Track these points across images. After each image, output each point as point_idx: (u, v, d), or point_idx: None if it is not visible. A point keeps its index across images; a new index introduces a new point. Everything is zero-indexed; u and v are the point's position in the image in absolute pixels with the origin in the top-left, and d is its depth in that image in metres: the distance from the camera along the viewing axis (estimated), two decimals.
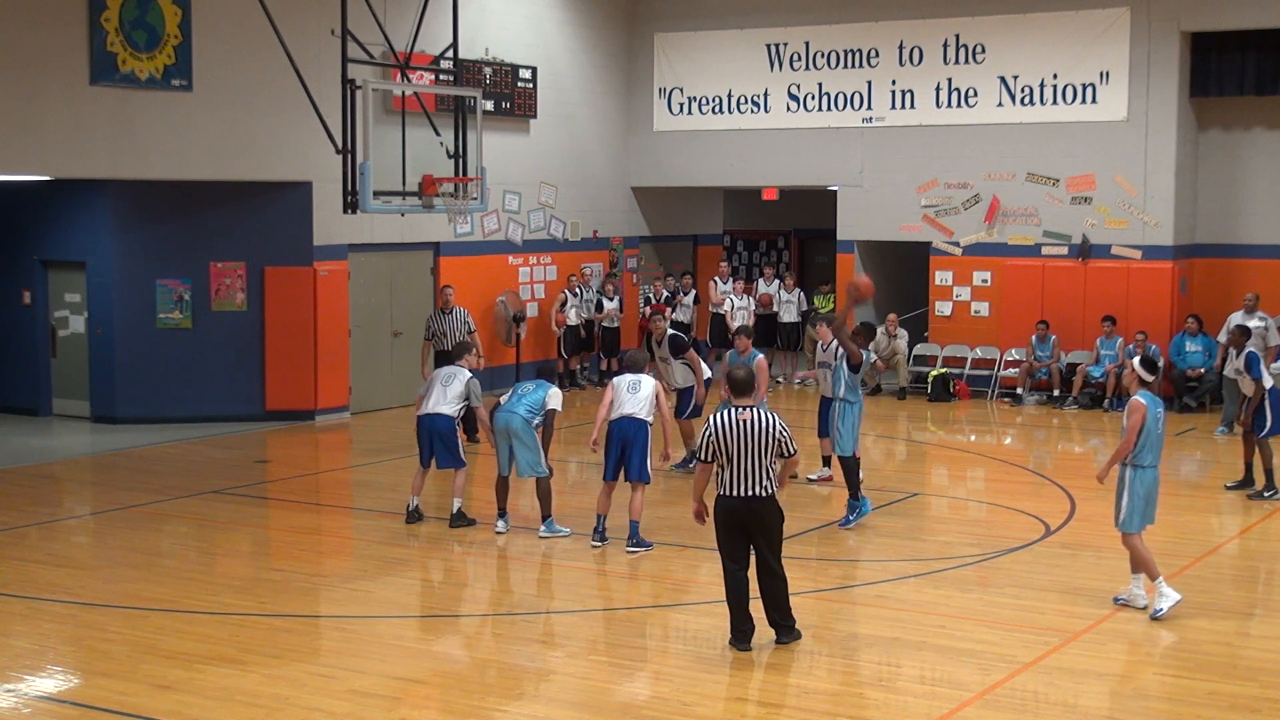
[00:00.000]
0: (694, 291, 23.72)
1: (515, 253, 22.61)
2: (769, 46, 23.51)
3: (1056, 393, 21.19)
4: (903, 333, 22.27)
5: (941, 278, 22.55)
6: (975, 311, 22.09)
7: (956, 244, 22.34)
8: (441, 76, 18.22)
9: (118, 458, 17.02)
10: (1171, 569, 11.85)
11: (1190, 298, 21.41)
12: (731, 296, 23.24)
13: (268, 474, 16.42)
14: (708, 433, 9.55)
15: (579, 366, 23.11)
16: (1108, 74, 21.12)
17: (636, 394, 12.64)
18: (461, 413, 13.61)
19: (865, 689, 9.04)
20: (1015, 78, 21.77)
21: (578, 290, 22.84)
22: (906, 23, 22.45)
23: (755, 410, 9.54)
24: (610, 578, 11.96)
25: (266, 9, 15.77)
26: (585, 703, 8.87)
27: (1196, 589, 11.03)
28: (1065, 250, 21.55)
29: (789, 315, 23.53)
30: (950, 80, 22.22)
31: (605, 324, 23.04)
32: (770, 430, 9.48)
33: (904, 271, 23.84)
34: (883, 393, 22.20)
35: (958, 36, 22.14)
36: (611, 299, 23.11)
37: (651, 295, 24.02)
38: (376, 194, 15.52)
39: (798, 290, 23.90)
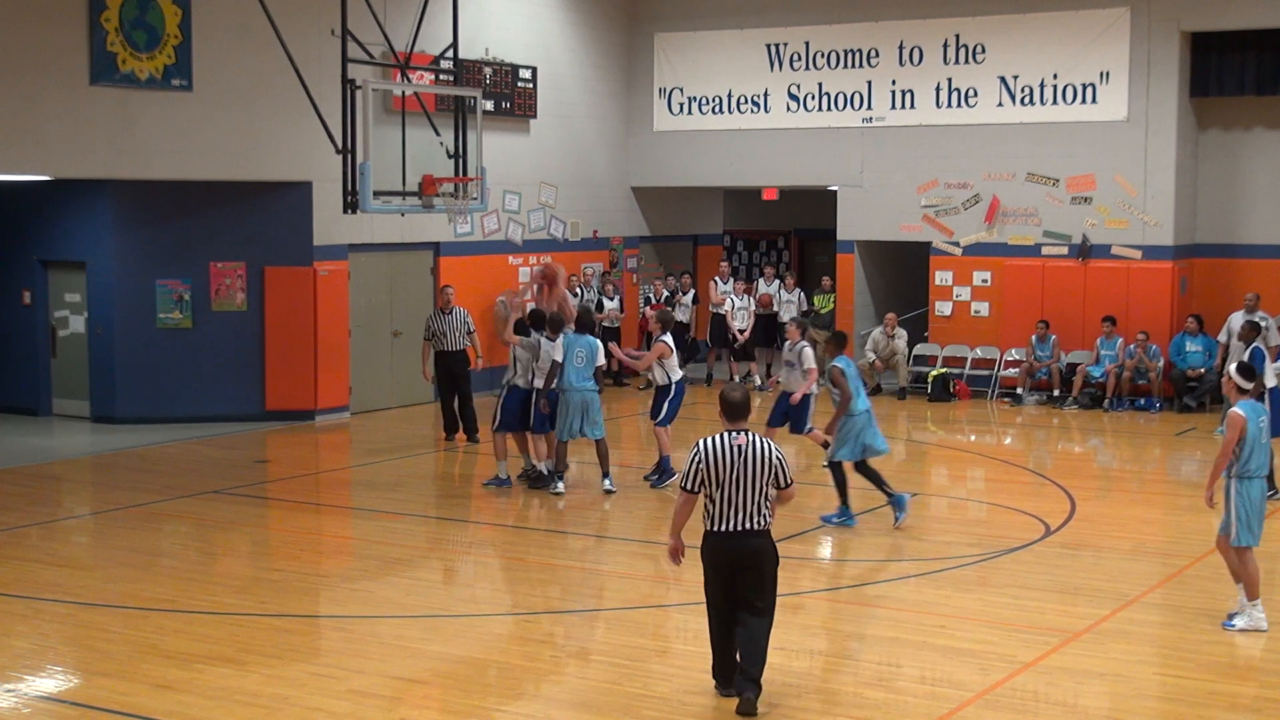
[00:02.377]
0: (694, 291, 23.72)
1: (515, 253, 22.61)
2: (769, 46, 23.51)
3: (1056, 393, 21.19)
4: (901, 332, 22.26)
5: (941, 278, 22.55)
6: (975, 311, 22.09)
7: (956, 244, 22.34)
8: (441, 76, 18.22)
9: (118, 458, 17.02)
10: (1172, 568, 11.88)
11: (1190, 298, 21.41)
12: (731, 296, 23.23)
13: (268, 474, 16.41)
14: (695, 459, 8.50)
15: None
16: (1108, 74, 21.12)
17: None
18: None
19: (865, 689, 9.04)
20: (1015, 78, 21.77)
21: (578, 290, 22.82)
22: (906, 23, 22.45)
23: (750, 435, 8.55)
24: (610, 578, 11.96)
25: (266, 9, 15.77)
26: (585, 703, 8.87)
27: (1196, 589, 11.03)
28: (1065, 250, 21.55)
29: (789, 315, 23.48)
30: (950, 80, 22.22)
31: (606, 324, 23.02)
32: (767, 458, 8.47)
33: (904, 271, 23.85)
34: (883, 392, 22.19)
35: (958, 36, 22.14)
36: (612, 299, 23.10)
37: (651, 295, 24.01)
38: (376, 194, 15.51)
39: (798, 290, 23.89)
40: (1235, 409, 10.21)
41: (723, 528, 8.49)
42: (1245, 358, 14.97)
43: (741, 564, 8.51)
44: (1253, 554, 10.19)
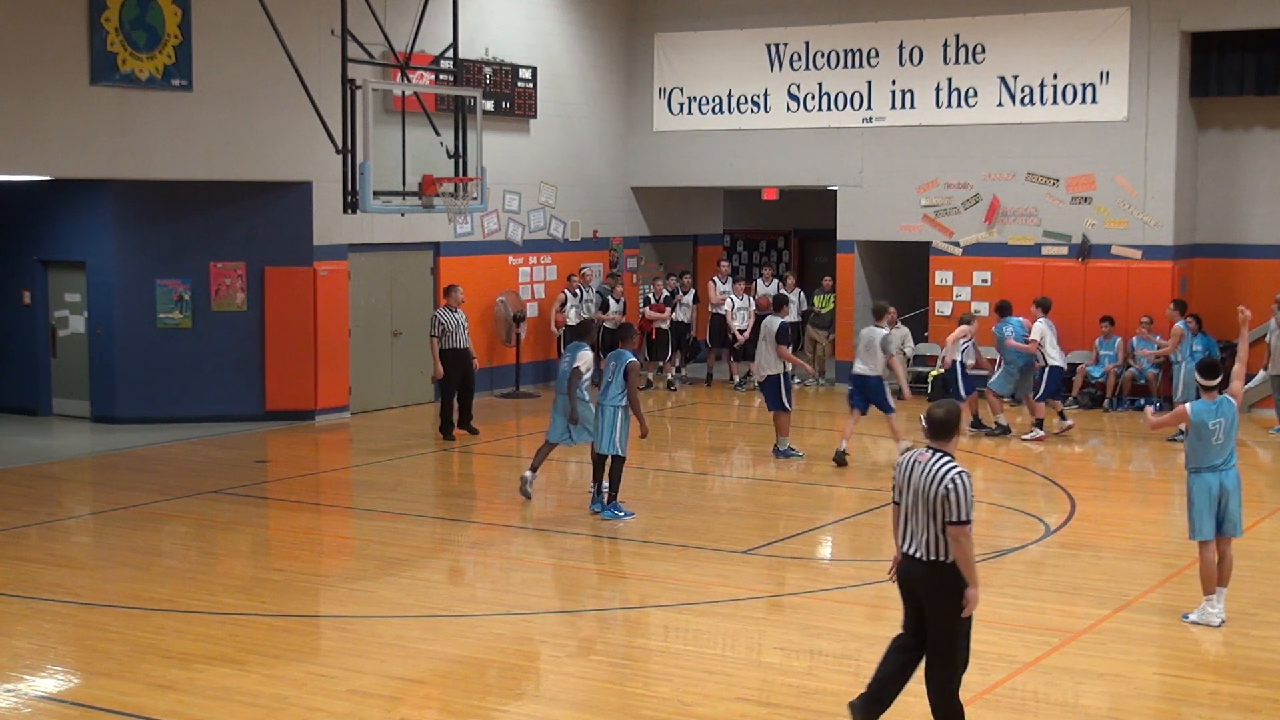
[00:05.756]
0: (693, 291, 23.71)
1: (515, 253, 22.60)
2: (769, 46, 23.51)
3: None
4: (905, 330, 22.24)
5: (941, 278, 22.54)
6: (975, 312, 22.07)
7: (956, 244, 22.34)
8: (441, 76, 18.22)
9: (118, 458, 17.02)
10: (1172, 568, 11.89)
11: (1190, 298, 21.39)
12: (731, 296, 23.22)
13: (268, 474, 16.42)
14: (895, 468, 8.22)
15: None
16: (1108, 74, 21.12)
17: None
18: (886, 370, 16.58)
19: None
20: (1015, 78, 21.76)
21: (578, 290, 22.80)
22: (906, 23, 22.44)
23: (933, 454, 7.90)
24: (610, 577, 11.96)
25: (266, 9, 15.77)
26: (585, 703, 8.88)
27: (1196, 589, 11.01)
28: (1065, 250, 21.56)
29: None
30: (950, 80, 22.21)
31: (607, 325, 22.97)
32: (935, 483, 7.77)
33: (904, 271, 23.84)
34: None
35: (958, 36, 22.14)
36: (619, 300, 23.05)
37: (651, 295, 24.00)
38: (376, 194, 15.52)
39: (798, 290, 23.87)
40: (1185, 405, 10.55)
41: (899, 547, 8.06)
42: None
43: (906, 591, 8.07)
44: (1210, 549, 10.45)
